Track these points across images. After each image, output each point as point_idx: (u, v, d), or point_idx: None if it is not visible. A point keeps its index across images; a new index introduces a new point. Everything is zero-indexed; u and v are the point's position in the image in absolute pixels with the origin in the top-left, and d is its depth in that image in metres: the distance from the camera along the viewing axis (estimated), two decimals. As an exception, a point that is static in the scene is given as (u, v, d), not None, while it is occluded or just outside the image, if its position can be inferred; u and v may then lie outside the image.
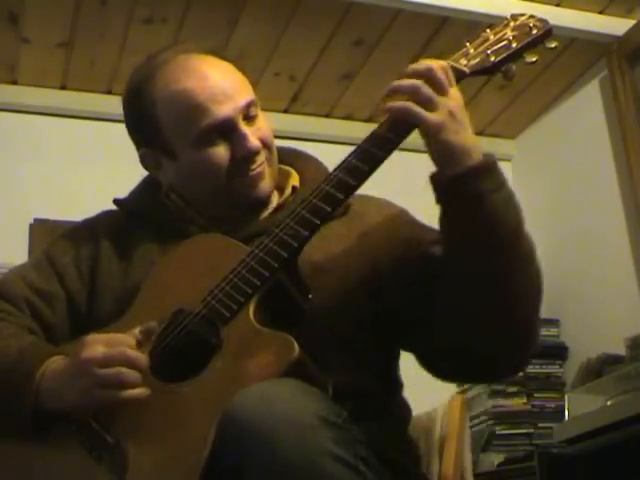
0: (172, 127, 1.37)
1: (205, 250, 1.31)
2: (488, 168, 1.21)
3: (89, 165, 3.08)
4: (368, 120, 3.42)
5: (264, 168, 1.38)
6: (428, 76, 1.21)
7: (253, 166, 1.36)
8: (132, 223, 1.43)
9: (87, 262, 1.40)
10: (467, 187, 1.20)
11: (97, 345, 1.18)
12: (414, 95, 1.20)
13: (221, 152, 1.35)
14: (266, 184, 1.38)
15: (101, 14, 2.80)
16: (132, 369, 1.16)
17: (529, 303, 1.26)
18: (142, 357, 1.17)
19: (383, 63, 3.14)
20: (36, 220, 2.94)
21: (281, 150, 1.47)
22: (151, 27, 2.88)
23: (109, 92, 3.17)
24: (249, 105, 1.37)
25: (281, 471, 0.98)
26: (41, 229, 2.91)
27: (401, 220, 1.43)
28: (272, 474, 0.98)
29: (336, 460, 1.00)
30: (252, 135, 1.36)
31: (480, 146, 1.23)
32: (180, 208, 1.42)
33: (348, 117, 3.44)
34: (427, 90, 1.20)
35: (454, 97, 1.22)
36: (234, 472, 1.01)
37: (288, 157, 1.50)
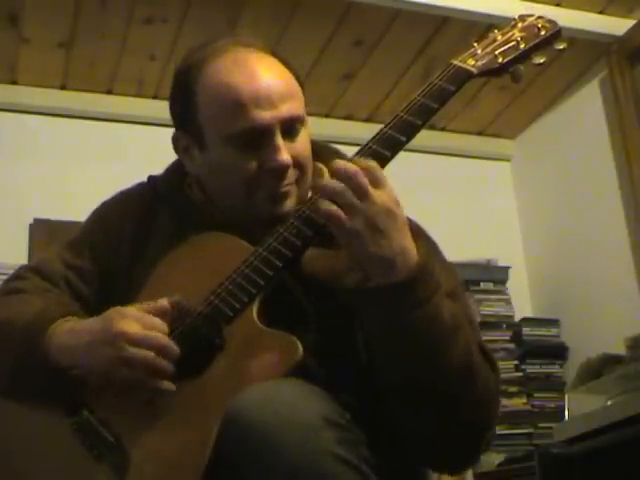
0: (208, 117, 1.31)
1: (210, 249, 1.29)
2: (410, 284, 1.12)
3: (89, 165, 3.07)
4: (368, 120, 3.41)
5: (291, 188, 1.29)
6: (349, 183, 1.13)
7: (280, 182, 1.28)
8: (158, 203, 1.40)
9: (114, 241, 1.38)
10: (380, 303, 1.13)
11: (133, 320, 1.16)
12: (335, 199, 1.13)
13: (250, 158, 1.28)
14: (290, 203, 1.29)
15: (101, 14, 2.80)
16: (164, 357, 1.14)
17: (464, 416, 1.16)
18: (175, 348, 1.15)
19: (383, 63, 3.14)
20: (36, 220, 2.94)
21: (316, 146, 1.38)
22: (151, 27, 2.88)
23: (109, 92, 3.17)
24: (292, 119, 1.29)
25: (284, 471, 0.98)
26: (41, 229, 2.91)
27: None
28: (275, 474, 0.98)
29: (339, 461, 1.00)
30: (286, 150, 1.27)
31: (410, 252, 1.13)
32: (201, 201, 1.38)
33: (348, 117, 3.43)
34: (347, 195, 1.12)
35: (378, 202, 1.12)
36: (236, 472, 1.01)
37: (322, 154, 1.38)
